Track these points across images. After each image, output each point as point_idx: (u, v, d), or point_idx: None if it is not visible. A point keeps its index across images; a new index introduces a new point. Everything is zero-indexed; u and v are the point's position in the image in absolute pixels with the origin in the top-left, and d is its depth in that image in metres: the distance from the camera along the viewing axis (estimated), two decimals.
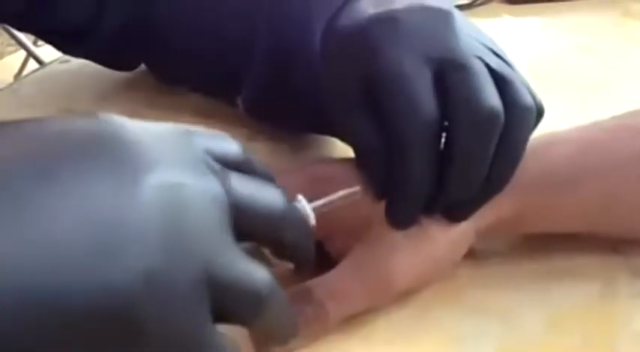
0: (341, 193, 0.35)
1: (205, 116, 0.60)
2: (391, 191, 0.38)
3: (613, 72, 0.68)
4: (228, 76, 0.53)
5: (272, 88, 0.50)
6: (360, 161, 0.39)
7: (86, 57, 0.63)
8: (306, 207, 0.31)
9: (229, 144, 0.29)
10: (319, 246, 0.40)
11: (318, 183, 0.40)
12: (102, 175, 0.23)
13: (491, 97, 0.36)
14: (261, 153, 0.53)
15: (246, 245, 0.27)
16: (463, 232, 0.39)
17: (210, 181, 0.26)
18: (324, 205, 0.33)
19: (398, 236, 0.38)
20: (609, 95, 0.62)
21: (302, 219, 0.31)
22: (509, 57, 0.40)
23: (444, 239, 0.39)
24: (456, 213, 0.38)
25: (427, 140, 0.36)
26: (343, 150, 0.46)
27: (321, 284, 0.37)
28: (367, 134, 0.38)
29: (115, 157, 0.24)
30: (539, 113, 0.38)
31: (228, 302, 0.25)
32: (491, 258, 0.42)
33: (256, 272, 0.26)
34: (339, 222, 0.37)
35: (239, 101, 0.54)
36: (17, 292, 0.21)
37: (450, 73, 0.36)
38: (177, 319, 0.23)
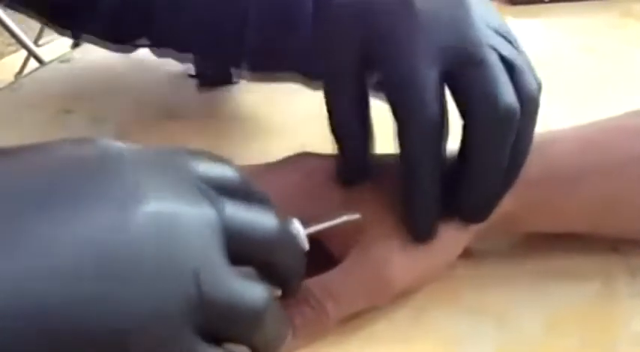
0: (337, 220, 0.35)
1: (205, 116, 0.61)
2: (407, 206, 0.38)
3: (613, 72, 0.68)
4: (229, 44, 0.53)
5: (271, 53, 0.50)
6: (338, 140, 0.39)
7: (84, 31, 0.62)
8: (300, 231, 0.31)
9: (225, 168, 0.29)
10: (320, 245, 0.40)
11: (313, 175, 0.40)
12: (97, 203, 0.24)
13: (508, 94, 0.35)
14: (261, 153, 0.53)
15: (243, 269, 0.27)
16: (460, 230, 0.39)
17: (204, 208, 0.26)
18: (318, 231, 0.33)
19: (395, 236, 0.38)
20: (610, 96, 0.62)
21: (295, 244, 0.31)
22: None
23: (441, 238, 0.39)
24: (474, 214, 0.38)
25: (429, 144, 0.36)
26: None
27: (320, 284, 0.37)
28: (349, 109, 0.38)
29: (110, 185, 0.24)
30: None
31: (225, 323, 0.26)
32: (489, 258, 0.42)
33: (252, 291, 0.26)
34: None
35: (243, 68, 0.53)
36: (10, 317, 0.21)
37: (466, 69, 0.36)
38: (172, 346, 0.24)
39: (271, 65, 0.53)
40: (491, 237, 0.41)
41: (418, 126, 0.35)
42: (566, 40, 0.77)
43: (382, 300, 0.38)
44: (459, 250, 0.40)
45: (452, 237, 0.39)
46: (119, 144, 0.27)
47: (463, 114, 0.36)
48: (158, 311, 0.23)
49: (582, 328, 0.37)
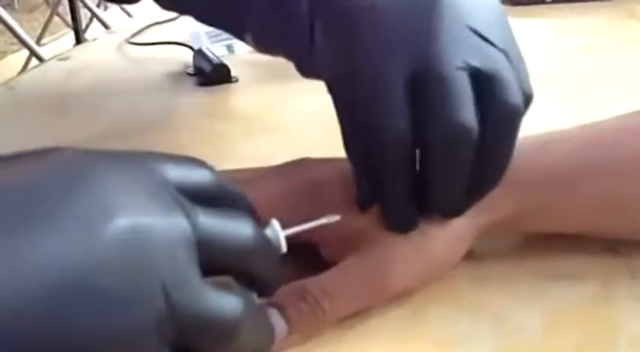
0: (317, 222, 0.35)
1: (203, 114, 0.60)
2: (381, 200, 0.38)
3: (615, 73, 0.68)
4: (235, 9, 0.51)
5: (275, 23, 0.49)
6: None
7: None
8: (279, 234, 0.31)
9: (199, 173, 0.28)
10: (315, 248, 0.39)
11: (314, 180, 0.40)
12: (67, 218, 0.23)
13: (464, 113, 0.35)
14: (259, 151, 0.53)
15: (219, 279, 0.27)
16: (462, 232, 0.39)
17: (176, 218, 0.25)
18: (297, 232, 0.33)
19: (397, 239, 0.38)
20: (611, 96, 0.62)
21: (270, 251, 0.30)
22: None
23: (442, 239, 0.38)
24: (448, 210, 0.38)
25: (398, 151, 0.35)
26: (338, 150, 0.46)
27: (317, 282, 0.36)
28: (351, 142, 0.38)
29: (77, 200, 0.24)
30: (527, 100, 0.37)
31: (197, 336, 0.25)
32: (488, 258, 0.42)
33: (225, 303, 0.26)
34: (334, 231, 0.36)
35: (249, 37, 0.53)
36: None
37: (424, 84, 0.35)
38: None
39: (273, 43, 0.51)
40: (491, 238, 0.41)
41: (383, 134, 0.35)
42: (569, 40, 0.77)
43: (381, 299, 0.38)
44: (462, 251, 0.39)
45: (454, 238, 0.39)
46: (86, 154, 0.26)
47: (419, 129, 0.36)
48: (127, 327, 0.23)
49: (581, 330, 0.37)
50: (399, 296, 0.38)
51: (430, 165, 0.36)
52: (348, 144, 0.38)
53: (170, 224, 0.25)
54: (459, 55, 0.36)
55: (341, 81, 0.38)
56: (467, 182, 0.36)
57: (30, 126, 0.59)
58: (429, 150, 0.36)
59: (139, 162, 0.27)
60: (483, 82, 0.36)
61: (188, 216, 0.26)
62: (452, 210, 0.38)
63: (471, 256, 0.40)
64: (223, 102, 0.63)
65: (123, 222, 0.24)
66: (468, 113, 0.35)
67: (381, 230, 0.38)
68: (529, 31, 0.81)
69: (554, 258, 0.41)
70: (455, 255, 0.39)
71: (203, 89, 0.67)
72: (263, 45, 0.52)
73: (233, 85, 0.68)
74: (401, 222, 0.38)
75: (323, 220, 0.35)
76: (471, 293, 0.39)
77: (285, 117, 0.58)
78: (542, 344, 0.36)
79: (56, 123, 0.60)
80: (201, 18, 0.57)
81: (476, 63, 0.36)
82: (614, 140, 0.40)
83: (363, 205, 0.38)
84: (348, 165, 0.39)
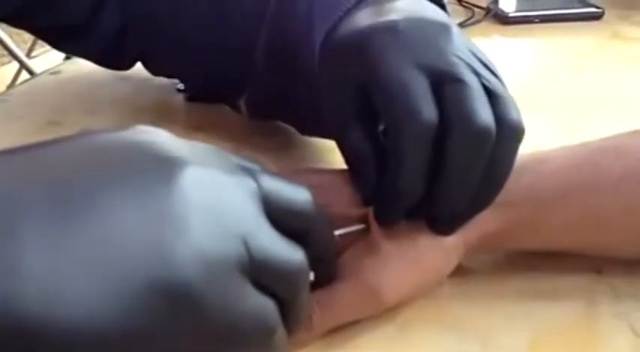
0: (346, 229, 0.37)
1: (194, 128, 0.61)
2: (381, 189, 0.38)
3: (602, 92, 0.69)
4: (231, 82, 0.54)
5: (273, 95, 0.51)
6: (352, 168, 0.40)
7: (81, 54, 0.63)
8: None
9: (251, 160, 0.30)
10: None
11: (312, 188, 0.40)
12: (147, 175, 0.25)
13: (485, 113, 0.36)
14: None
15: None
16: (453, 245, 0.39)
17: (243, 176, 0.28)
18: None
19: (388, 247, 0.38)
20: (598, 115, 0.63)
21: (327, 219, 0.32)
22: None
23: (433, 252, 0.39)
24: (442, 226, 0.38)
25: (423, 145, 0.36)
26: (330, 161, 0.46)
27: None
28: (360, 142, 0.39)
29: (157, 158, 0.26)
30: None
31: (270, 280, 0.27)
32: (473, 277, 0.42)
33: (294, 252, 0.28)
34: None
35: (242, 105, 0.54)
36: (92, 281, 0.23)
37: (446, 86, 0.36)
38: (228, 294, 0.25)
39: (268, 110, 0.54)
40: (477, 255, 0.42)
41: (412, 130, 0.35)
42: (556, 60, 0.78)
43: (370, 312, 0.38)
44: (452, 264, 0.40)
45: (444, 251, 0.39)
46: (158, 129, 0.28)
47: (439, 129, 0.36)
48: (216, 264, 0.24)
49: (566, 348, 0.37)
50: (387, 313, 0.38)
51: (446, 165, 0.36)
52: (355, 148, 0.39)
53: (238, 178, 0.27)
54: (469, 66, 0.37)
55: (353, 91, 0.39)
56: (474, 188, 0.37)
57: (22, 140, 0.59)
58: (449, 150, 0.36)
59: (198, 142, 0.29)
60: (490, 97, 0.37)
61: (251, 175, 0.28)
62: (451, 220, 0.38)
63: (456, 273, 0.40)
64: (213, 118, 0.63)
65: (196, 169, 0.26)
66: (488, 114, 0.36)
67: (373, 236, 0.38)
68: (518, 51, 0.82)
69: (539, 277, 0.42)
70: (446, 268, 0.40)
71: (193, 105, 0.67)
72: (261, 111, 0.54)
73: None
74: (392, 216, 0.38)
75: (351, 228, 0.37)
76: (457, 311, 0.40)
77: (279, 134, 0.58)
78: None
79: (48, 137, 0.60)
80: (193, 84, 0.59)
81: (482, 77, 0.37)
82: (601, 161, 0.41)
83: (366, 197, 0.39)
84: (340, 173, 0.40)
